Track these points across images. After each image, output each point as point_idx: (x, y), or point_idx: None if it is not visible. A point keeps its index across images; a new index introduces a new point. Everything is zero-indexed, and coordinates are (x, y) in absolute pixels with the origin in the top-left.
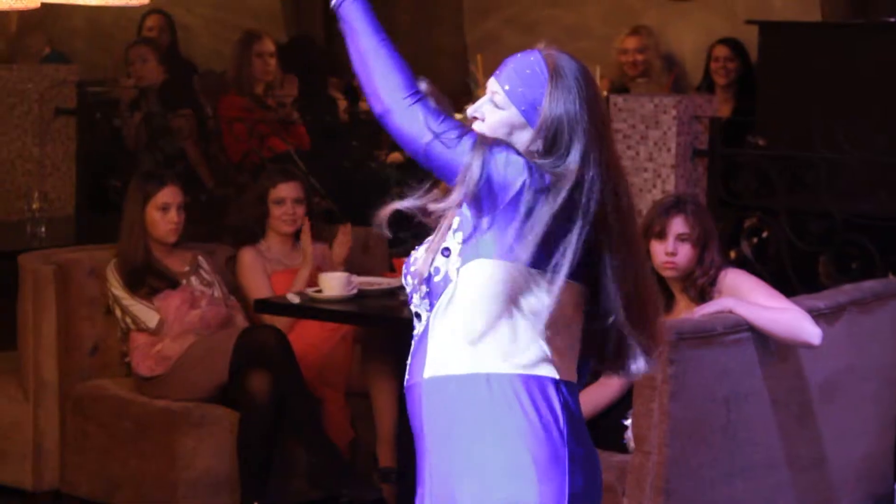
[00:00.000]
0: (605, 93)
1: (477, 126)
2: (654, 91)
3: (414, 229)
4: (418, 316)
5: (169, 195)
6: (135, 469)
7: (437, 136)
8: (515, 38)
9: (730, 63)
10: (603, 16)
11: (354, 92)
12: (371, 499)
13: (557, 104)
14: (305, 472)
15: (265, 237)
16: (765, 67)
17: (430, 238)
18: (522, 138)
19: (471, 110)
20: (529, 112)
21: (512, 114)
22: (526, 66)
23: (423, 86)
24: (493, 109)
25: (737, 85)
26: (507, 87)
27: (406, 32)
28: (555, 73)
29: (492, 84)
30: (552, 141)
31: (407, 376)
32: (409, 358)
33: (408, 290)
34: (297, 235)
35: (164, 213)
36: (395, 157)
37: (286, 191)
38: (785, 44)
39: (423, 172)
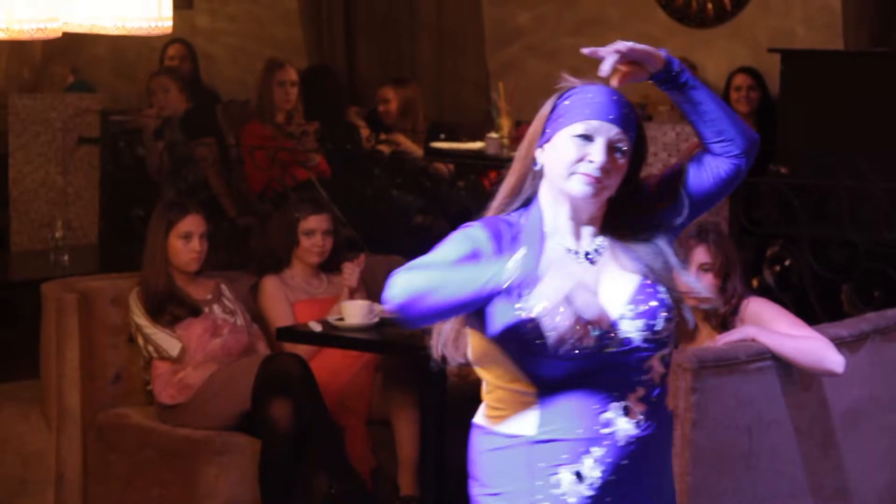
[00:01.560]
0: None
1: (605, 180)
2: (677, 118)
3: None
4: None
5: (192, 224)
6: (157, 498)
7: None
8: (537, 66)
9: (752, 92)
10: None
11: (376, 120)
12: None
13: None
14: (327, 500)
15: (290, 266)
16: (787, 96)
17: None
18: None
19: (598, 161)
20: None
21: (625, 162)
22: (630, 107)
23: None
24: (620, 159)
25: (757, 114)
26: (630, 134)
27: (429, 61)
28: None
29: (608, 130)
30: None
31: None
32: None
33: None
34: (321, 265)
35: (186, 241)
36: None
37: (317, 222)
38: (807, 72)
39: (439, 202)
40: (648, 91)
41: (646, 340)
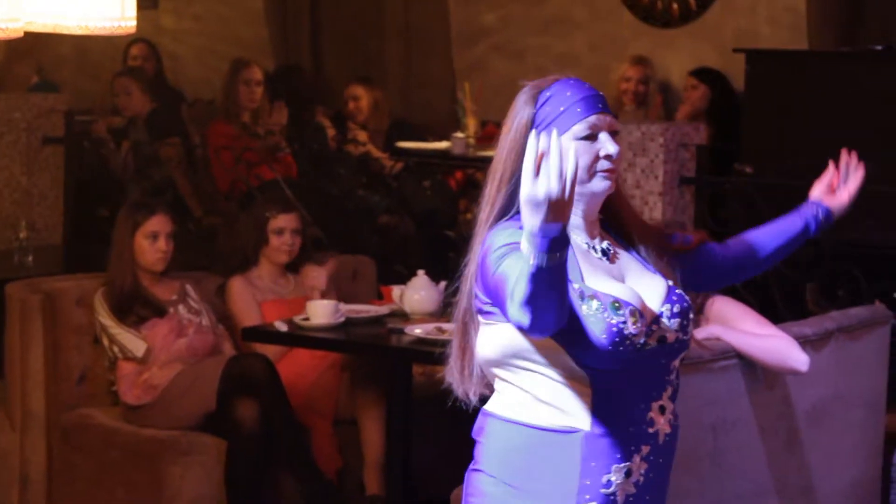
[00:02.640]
0: None
1: (615, 164)
2: (642, 118)
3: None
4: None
5: (158, 224)
6: (122, 499)
7: None
8: (503, 66)
9: (694, 91)
10: (591, 45)
11: (342, 120)
12: None
13: None
14: (294, 500)
15: (257, 265)
16: (752, 95)
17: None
18: None
19: (613, 152)
20: None
21: None
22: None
23: None
24: (617, 141)
25: (705, 113)
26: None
27: (396, 61)
28: None
29: (604, 120)
30: None
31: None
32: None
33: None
34: (289, 265)
35: (153, 241)
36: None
37: (286, 221)
38: (772, 72)
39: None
40: (618, 88)
41: (677, 341)
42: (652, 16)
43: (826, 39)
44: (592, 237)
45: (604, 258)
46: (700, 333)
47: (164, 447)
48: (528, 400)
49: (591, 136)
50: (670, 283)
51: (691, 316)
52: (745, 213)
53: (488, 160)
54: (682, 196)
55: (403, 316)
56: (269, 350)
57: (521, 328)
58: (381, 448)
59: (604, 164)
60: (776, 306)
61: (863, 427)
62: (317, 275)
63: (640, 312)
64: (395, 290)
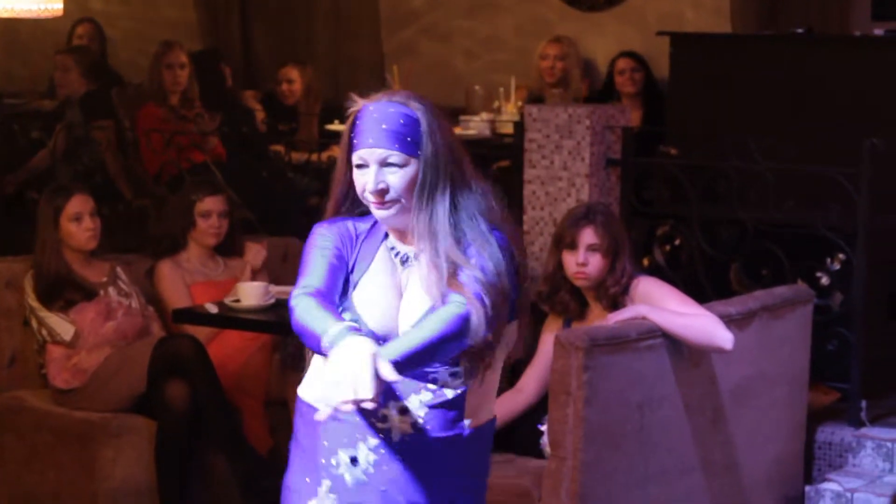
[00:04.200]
0: (520, 103)
1: (388, 196)
2: (570, 100)
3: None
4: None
5: (78, 204)
6: (54, 481)
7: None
8: (431, 48)
9: (636, 74)
10: (517, 27)
11: (272, 102)
12: None
13: (434, 138)
14: (225, 479)
15: (186, 248)
16: (676, 78)
17: None
18: (417, 184)
19: (369, 189)
20: (420, 157)
21: (413, 165)
22: (397, 118)
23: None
24: (393, 172)
25: (642, 95)
26: (397, 146)
27: (325, 44)
28: (422, 114)
29: (374, 153)
30: (430, 181)
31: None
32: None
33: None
34: (218, 248)
35: (78, 222)
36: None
37: (213, 204)
38: (696, 55)
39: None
40: (540, 71)
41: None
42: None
43: (749, 23)
44: (404, 242)
45: (401, 264)
46: (626, 313)
47: (96, 429)
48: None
49: (362, 166)
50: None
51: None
52: (669, 194)
53: None
54: (609, 178)
55: None
56: (200, 332)
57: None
58: None
59: (370, 197)
60: (701, 286)
61: (786, 404)
62: (255, 252)
63: (373, 333)
64: None
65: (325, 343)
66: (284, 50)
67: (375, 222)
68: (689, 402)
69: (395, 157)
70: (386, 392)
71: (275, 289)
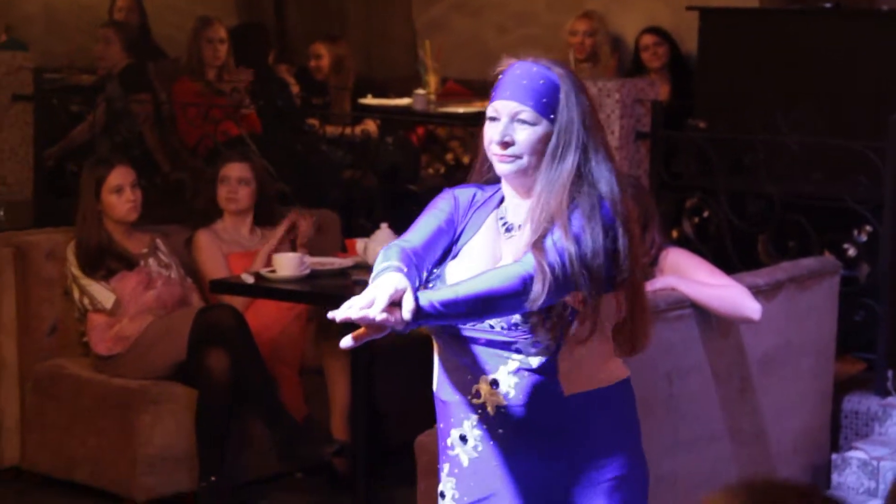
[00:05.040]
0: None
1: (511, 150)
2: (599, 75)
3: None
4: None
5: (120, 176)
6: (94, 446)
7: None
8: (463, 23)
9: (659, 48)
10: (549, 2)
11: (305, 77)
12: (325, 471)
13: (572, 107)
14: (263, 445)
15: (222, 218)
16: (705, 53)
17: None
18: (549, 147)
19: (495, 139)
20: (554, 120)
21: (544, 126)
22: (537, 77)
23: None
24: (523, 128)
25: (668, 70)
26: (531, 104)
27: (358, 19)
28: (563, 80)
29: (507, 106)
30: (565, 145)
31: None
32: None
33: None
34: (256, 218)
35: (119, 194)
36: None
37: (230, 170)
38: (725, 29)
39: (368, 157)
40: (570, 47)
41: (502, 328)
42: None
43: None
44: (516, 211)
45: (505, 232)
46: (655, 284)
47: (135, 396)
48: None
49: (494, 119)
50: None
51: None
52: (698, 167)
53: (449, 116)
54: (638, 150)
55: (367, 268)
56: (234, 302)
57: None
58: (347, 396)
59: (494, 149)
60: (729, 258)
61: (813, 374)
62: (306, 223)
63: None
64: (359, 243)
65: (370, 279)
66: (318, 25)
67: (496, 191)
68: (717, 372)
69: (527, 113)
70: (475, 367)
71: (310, 260)
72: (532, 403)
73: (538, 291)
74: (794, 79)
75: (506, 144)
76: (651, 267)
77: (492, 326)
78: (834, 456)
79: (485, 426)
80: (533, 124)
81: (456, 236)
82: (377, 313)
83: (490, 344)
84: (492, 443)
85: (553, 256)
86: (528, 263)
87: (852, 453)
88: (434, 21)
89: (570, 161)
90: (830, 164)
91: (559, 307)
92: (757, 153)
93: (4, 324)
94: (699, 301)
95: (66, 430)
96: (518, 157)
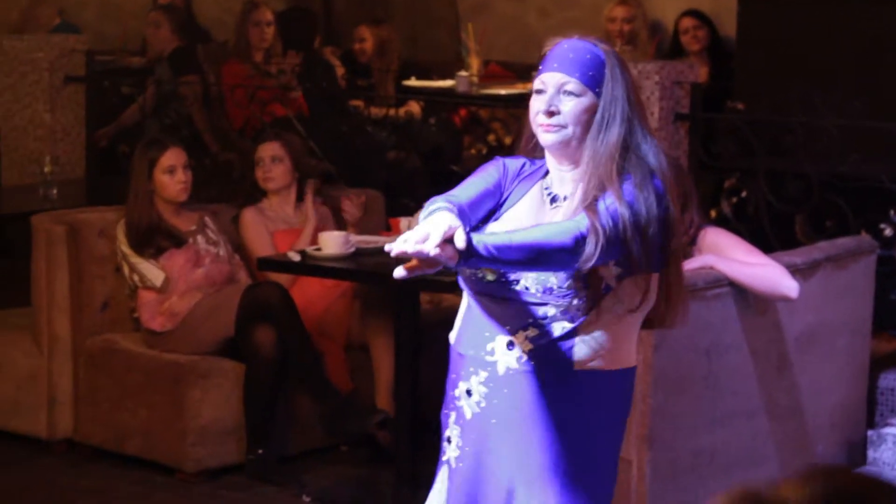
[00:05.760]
0: None
1: (557, 119)
2: (639, 57)
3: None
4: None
5: (173, 157)
6: (144, 419)
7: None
8: (505, 6)
9: (699, 31)
10: None
11: (350, 59)
12: (369, 446)
13: (617, 83)
14: (310, 418)
15: (267, 196)
16: (744, 35)
17: None
18: (593, 120)
19: (541, 109)
20: (600, 94)
21: (589, 97)
22: (584, 52)
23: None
24: (568, 99)
25: (707, 52)
26: (577, 75)
27: (402, 5)
28: (608, 56)
29: (554, 77)
30: (611, 117)
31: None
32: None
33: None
34: (299, 195)
35: (171, 175)
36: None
37: (263, 151)
38: (763, 12)
39: (412, 138)
40: (606, 29)
41: (533, 287)
42: None
43: None
44: (561, 182)
45: (550, 203)
46: (694, 263)
47: (185, 371)
48: None
49: (540, 91)
50: None
51: (566, 275)
52: (736, 148)
53: (491, 98)
54: (677, 132)
55: None
56: (280, 279)
57: None
58: (391, 371)
59: (539, 119)
60: (767, 237)
61: (849, 351)
62: (348, 208)
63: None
64: (403, 222)
65: (421, 216)
66: (363, 8)
67: (543, 164)
68: (754, 349)
69: (573, 84)
70: (496, 326)
71: (355, 238)
72: (541, 371)
73: (591, 251)
74: (832, 61)
75: (551, 114)
76: (690, 246)
77: (527, 288)
78: (870, 432)
79: (491, 384)
80: (579, 95)
81: (501, 200)
82: (431, 248)
83: (520, 305)
84: (495, 401)
85: (606, 218)
86: (582, 222)
87: (888, 429)
88: (477, 4)
89: (616, 132)
90: (868, 146)
91: (596, 280)
92: (795, 135)
93: (58, 300)
94: (737, 280)
95: (118, 403)
96: (563, 126)
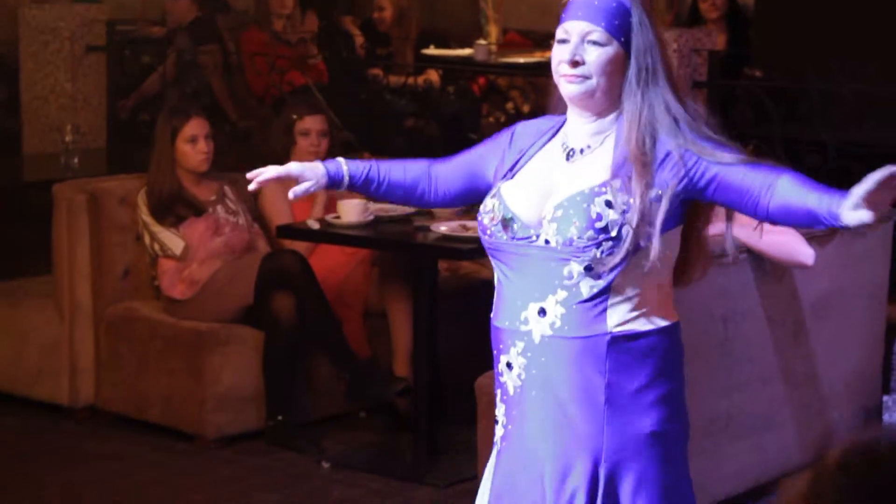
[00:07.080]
0: None
1: (581, 70)
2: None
3: None
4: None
5: (195, 127)
6: (165, 385)
7: None
8: None
9: None
10: None
11: (369, 28)
12: (387, 412)
13: (646, 31)
14: (332, 385)
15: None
16: (762, 2)
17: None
18: (622, 70)
19: (565, 59)
20: (626, 43)
21: (615, 47)
22: (608, 0)
23: None
24: (593, 48)
25: (725, 20)
26: (603, 24)
27: None
28: (634, 4)
29: (578, 26)
30: (644, 68)
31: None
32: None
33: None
34: None
35: (193, 144)
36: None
37: (312, 123)
38: None
39: (430, 106)
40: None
41: (559, 245)
42: None
43: None
44: (578, 135)
45: (566, 158)
46: (711, 230)
47: (205, 338)
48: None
49: (563, 41)
50: (591, 189)
51: (589, 231)
52: (753, 115)
53: (509, 66)
54: (695, 99)
55: (429, 214)
56: (299, 247)
57: None
58: (410, 338)
59: (562, 69)
60: None
61: (865, 318)
62: None
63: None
64: None
65: None
66: None
67: (563, 119)
68: (771, 316)
69: (598, 34)
70: (526, 293)
71: (374, 206)
72: (576, 335)
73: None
74: (849, 28)
75: (575, 63)
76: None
77: (547, 241)
78: (885, 398)
79: (529, 354)
80: (604, 45)
81: (517, 158)
82: (267, 174)
83: (543, 265)
84: (534, 371)
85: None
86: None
87: None
88: None
89: (662, 86)
90: (885, 112)
91: (624, 232)
92: (812, 101)
93: (79, 268)
94: (754, 246)
95: (139, 370)
96: (587, 77)
